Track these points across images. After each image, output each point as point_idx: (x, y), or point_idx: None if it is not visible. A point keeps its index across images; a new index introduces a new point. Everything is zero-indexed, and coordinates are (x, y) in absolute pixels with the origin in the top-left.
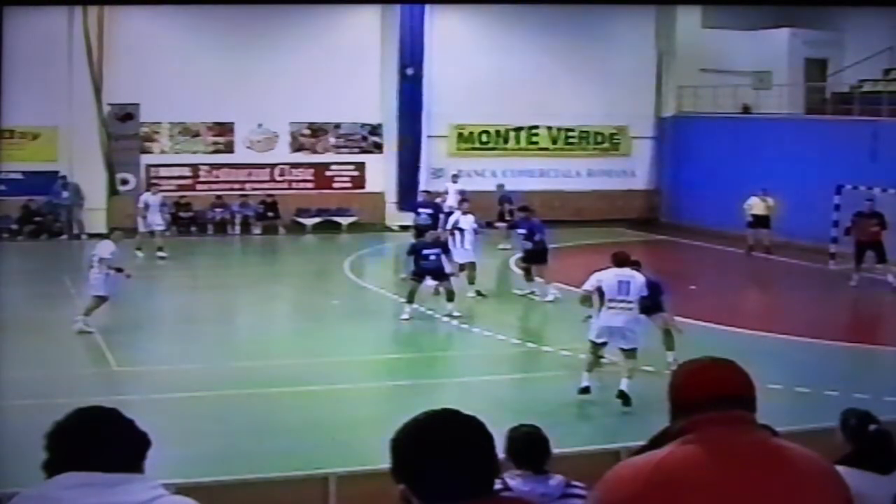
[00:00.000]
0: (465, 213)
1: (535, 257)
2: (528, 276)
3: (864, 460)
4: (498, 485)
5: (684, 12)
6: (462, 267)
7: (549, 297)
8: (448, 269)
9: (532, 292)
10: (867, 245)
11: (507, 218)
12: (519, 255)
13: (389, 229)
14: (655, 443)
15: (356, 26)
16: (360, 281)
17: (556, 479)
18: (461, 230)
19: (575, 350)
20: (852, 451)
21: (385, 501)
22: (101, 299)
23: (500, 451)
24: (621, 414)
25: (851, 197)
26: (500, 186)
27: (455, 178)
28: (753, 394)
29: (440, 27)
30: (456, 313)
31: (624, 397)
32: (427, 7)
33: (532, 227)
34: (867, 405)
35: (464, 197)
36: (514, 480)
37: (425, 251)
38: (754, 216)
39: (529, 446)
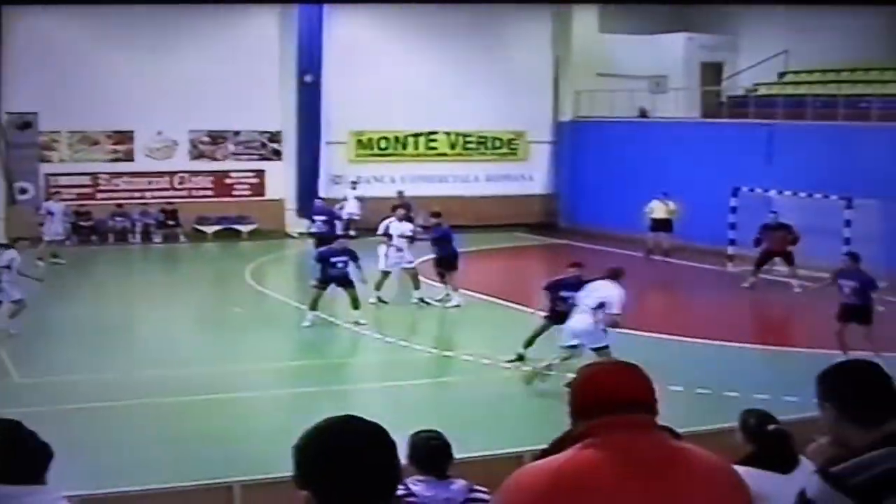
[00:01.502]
0: (401, 219)
1: (445, 263)
2: (443, 280)
3: (764, 460)
4: (401, 490)
5: (581, 17)
6: (386, 274)
7: (454, 303)
8: (354, 276)
9: (422, 299)
10: (776, 253)
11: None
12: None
13: (290, 236)
14: (556, 447)
15: (254, 34)
16: (261, 288)
17: (459, 484)
18: (392, 236)
19: (476, 355)
20: (753, 452)
21: None
22: (20, 302)
23: (403, 456)
24: (525, 418)
25: (748, 199)
26: (400, 193)
27: (354, 184)
28: (654, 397)
29: (338, 34)
30: (362, 321)
31: None
32: (325, 14)
33: (444, 234)
34: (767, 405)
35: (401, 203)
36: (417, 486)
37: (333, 258)
38: (655, 220)
39: (431, 452)
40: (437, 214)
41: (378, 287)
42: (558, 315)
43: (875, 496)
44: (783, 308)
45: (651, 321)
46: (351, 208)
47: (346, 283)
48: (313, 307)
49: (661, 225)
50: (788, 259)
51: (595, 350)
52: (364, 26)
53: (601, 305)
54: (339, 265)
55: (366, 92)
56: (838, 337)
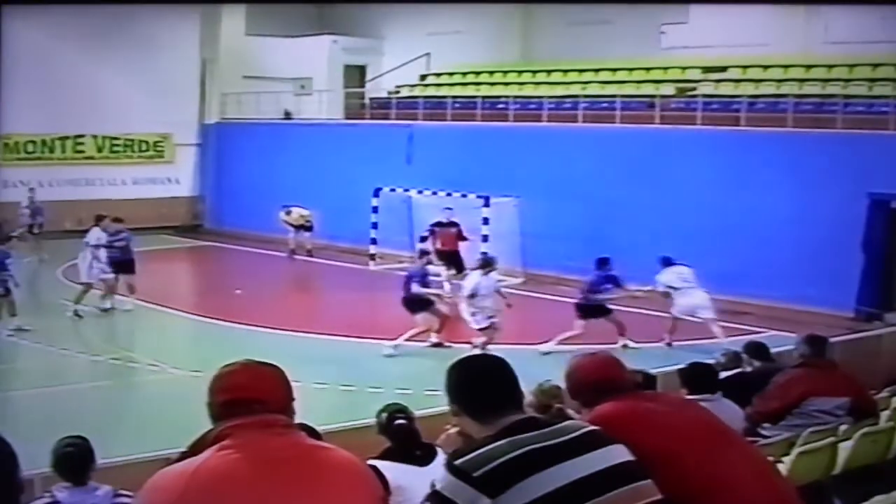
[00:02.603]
0: (104, 229)
1: (126, 268)
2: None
3: (400, 453)
4: (47, 498)
5: (228, 18)
6: (89, 286)
7: (127, 307)
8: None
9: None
10: (446, 254)
11: (36, 231)
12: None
13: None
14: (194, 448)
15: None
16: None
17: (104, 490)
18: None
19: (125, 358)
20: (389, 446)
21: None
22: None
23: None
24: (179, 420)
25: (389, 199)
26: (31, 198)
27: (32, 190)
28: (282, 395)
29: None
30: (26, 327)
31: None
32: None
33: (127, 239)
34: (410, 400)
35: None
36: (61, 493)
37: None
38: (292, 224)
39: (65, 458)
40: (119, 220)
41: (78, 300)
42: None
43: (499, 486)
44: None
45: (295, 319)
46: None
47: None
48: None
49: (301, 227)
50: (458, 264)
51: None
52: (8, 24)
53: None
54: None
55: (12, 94)
56: (577, 337)
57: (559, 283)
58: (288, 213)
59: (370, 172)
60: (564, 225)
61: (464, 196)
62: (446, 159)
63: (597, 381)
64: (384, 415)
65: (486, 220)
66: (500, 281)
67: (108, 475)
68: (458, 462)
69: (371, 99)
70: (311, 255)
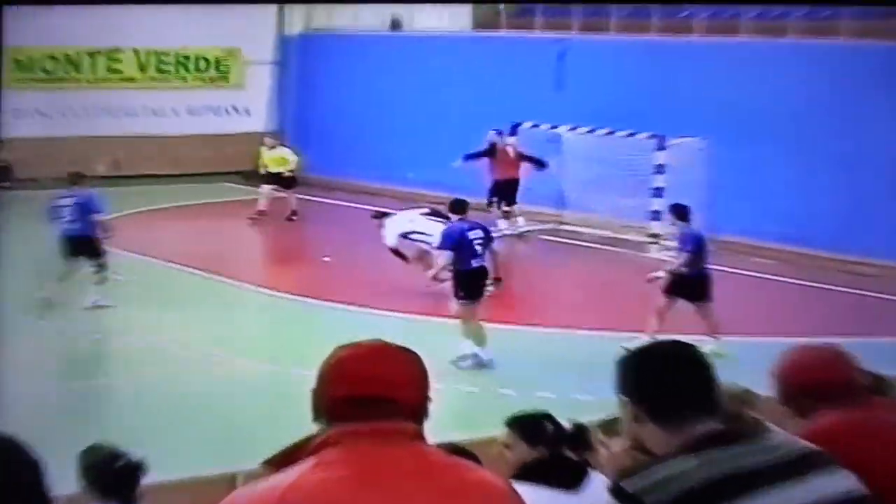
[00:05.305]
0: None
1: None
2: None
3: (545, 473)
4: None
5: None
6: None
7: None
8: None
9: None
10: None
11: None
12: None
13: None
14: (286, 458)
15: None
16: None
17: None
18: None
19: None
20: (531, 462)
21: None
22: None
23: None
24: (234, 428)
25: (531, 138)
26: None
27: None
28: (418, 394)
29: None
30: None
31: None
32: None
33: None
34: (552, 406)
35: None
36: None
37: None
38: (269, 173)
39: (118, 475)
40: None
41: None
42: None
43: None
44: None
45: (399, 296)
46: None
47: None
48: None
49: (276, 177)
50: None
51: None
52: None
53: None
54: None
55: None
56: (658, 314)
57: (754, 252)
58: (272, 147)
59: (506, 102)
60: (767, 176)
61: (631, 135)
62: (608, 85)
63: (817, 382)
64: (522, 421)
65: (660, 169)
66: None
67: (157, 498)
68: (628, 485)
69: (508, 3)
70: (293, 219)
